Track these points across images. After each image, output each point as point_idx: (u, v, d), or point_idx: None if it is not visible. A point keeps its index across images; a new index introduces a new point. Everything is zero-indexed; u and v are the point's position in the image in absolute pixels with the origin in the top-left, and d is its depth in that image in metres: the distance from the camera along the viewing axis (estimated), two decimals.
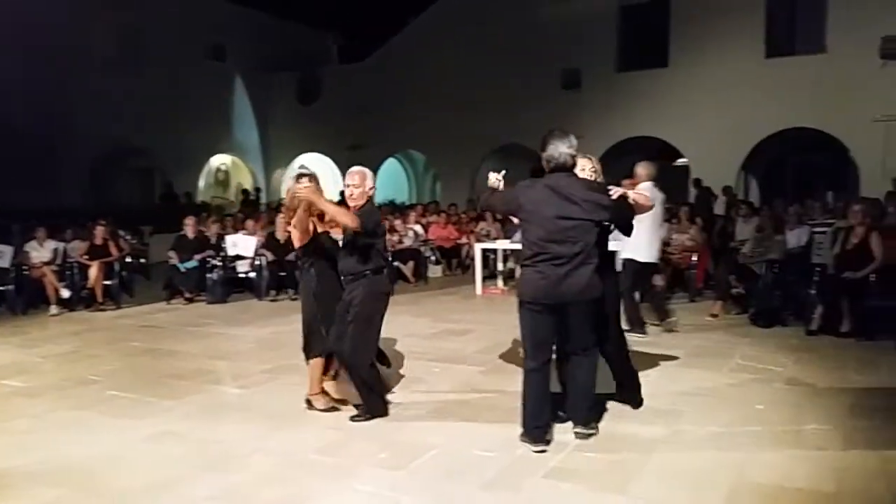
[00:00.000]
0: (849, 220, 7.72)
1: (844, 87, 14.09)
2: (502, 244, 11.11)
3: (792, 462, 4.01)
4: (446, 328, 8.00)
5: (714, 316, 8.16)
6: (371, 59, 20.74)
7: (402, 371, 6.07)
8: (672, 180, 17.29)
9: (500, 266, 11.34)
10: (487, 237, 12.35)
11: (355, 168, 4.88)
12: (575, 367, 4.39)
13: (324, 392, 5.03)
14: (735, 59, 15.27)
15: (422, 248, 12.43)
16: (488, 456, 4.13)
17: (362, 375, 4.74)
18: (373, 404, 4.80)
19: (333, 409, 4.95)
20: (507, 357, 6.44)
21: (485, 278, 10.97)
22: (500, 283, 10.97)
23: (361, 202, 4.75)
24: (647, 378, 5.35)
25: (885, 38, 13.60)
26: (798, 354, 6.48)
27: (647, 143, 16.28)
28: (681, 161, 16.68)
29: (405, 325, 8.28)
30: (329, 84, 21.58)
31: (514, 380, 5.65)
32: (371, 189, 4.81)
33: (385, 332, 7.72)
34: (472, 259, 11.59)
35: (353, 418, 4.78)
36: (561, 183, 4.12)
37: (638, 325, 7.11)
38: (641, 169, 6.97)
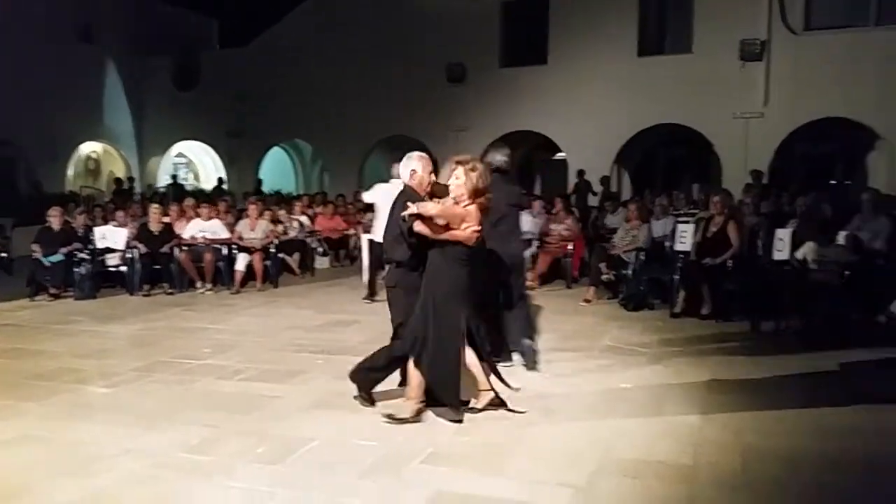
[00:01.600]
0: (709, 210, 8.29)
1: (708, 86, 14.98)
2: None
3: (654, 437, 4.29)
4: (331, 319, 7.94)
5: (587, 301, 8.56)
6: (254, 44, 20.10)
7: (282, 364, 5.99)
8: (552, 173, 17.99)
9: None
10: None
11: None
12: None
13: None
14: (609, 58, 15.91)
15: (308, 240, 12.24)
16: (368, 445, 4.16)
17: None
18: None
19: None
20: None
21: None
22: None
23: None
24: (521, 361, 5.60)
25: (743, 41, 14.58)
26: (662, 335, 6.91)
27: (530, 136, 16.76)
28: (560, 155, 17.26)
29: (288, 316, 8.19)
30: (209, 69, 20.76)
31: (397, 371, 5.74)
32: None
33: (267, 324, 7.72)
34: (360, 250, 11.52)
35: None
36: (501, 182, 5.27)
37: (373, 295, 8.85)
38: (396, 170, 8.34)
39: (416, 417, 4.52)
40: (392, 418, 4.52)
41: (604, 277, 8.76)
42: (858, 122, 13.95)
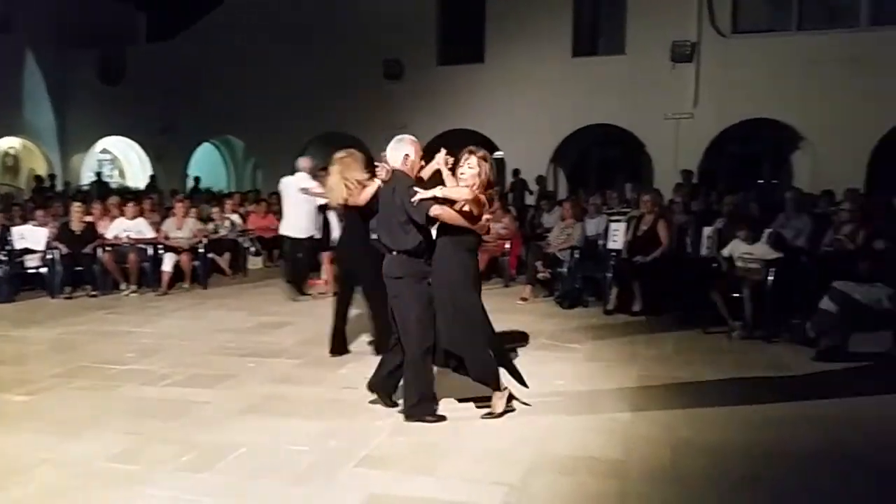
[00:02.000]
0: (640, 209, 8.45)
1: (641, 87, 15.28)
2: None
3: (587, 433, 4.33)
4: (263, 321, 7.75)
5: (524, 300, 8.63)
6: (182, 36, 19.51)
7: (211, 368, 5.81)
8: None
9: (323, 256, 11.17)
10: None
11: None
12: None
13: None
14: (545, 58, 16.04)
15: (240, 239, 11.95)
16: (299, 450, 4.06)
17: None
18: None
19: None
20: (325, 349, 6.35)
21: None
22: (323, 274, 10.81)
23: None
24: None
25: (675, 42, 14.94)
26: (596, 332, 7.02)
27: (468, 135, 16.77)
28: (497, 154, 17.35)
29: (219, 319, 7.97)
30: (136, 63, 20.04)
31: (332, 372, 5.64)
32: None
33: (195, 327, 7.48)
34: None
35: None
36: None
37: (297, 289, 8.98)
38: (302, 163, 8.89)
39: (509, 404, 4.60)
40: (492, 415, 4.53)
41: (540, 276, 8.84)
42: (784, 122, 14.49)
